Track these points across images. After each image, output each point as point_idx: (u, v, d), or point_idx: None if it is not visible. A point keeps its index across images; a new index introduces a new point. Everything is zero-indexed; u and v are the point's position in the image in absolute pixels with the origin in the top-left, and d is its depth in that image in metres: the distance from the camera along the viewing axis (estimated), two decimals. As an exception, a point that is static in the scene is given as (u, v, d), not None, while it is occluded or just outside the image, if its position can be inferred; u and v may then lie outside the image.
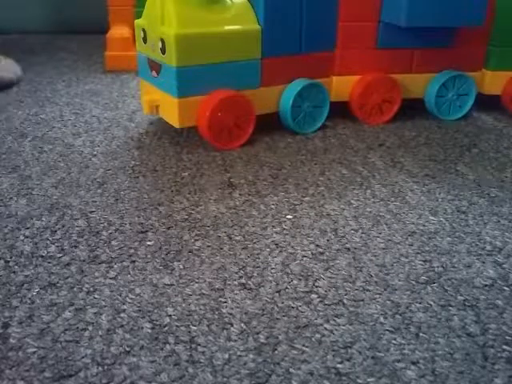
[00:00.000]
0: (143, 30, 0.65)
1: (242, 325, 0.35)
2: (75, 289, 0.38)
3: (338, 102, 0.73)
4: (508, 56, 0.75)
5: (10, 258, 0.42)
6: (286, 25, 0.65)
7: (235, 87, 0.64)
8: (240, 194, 0.53)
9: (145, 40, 0.65)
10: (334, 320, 0.36)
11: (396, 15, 0.67)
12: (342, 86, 0.72)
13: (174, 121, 0.63)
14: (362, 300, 0.38)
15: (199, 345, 0.33)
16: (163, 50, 0.60)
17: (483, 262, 0.42)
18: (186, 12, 0.60)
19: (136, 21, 0.67)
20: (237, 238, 0.45)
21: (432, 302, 0.38)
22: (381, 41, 0.71)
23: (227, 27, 0.62)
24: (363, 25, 0.70)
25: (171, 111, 0.63)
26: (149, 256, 0.42)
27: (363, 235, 0.46)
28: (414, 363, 0.32)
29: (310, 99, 0.69)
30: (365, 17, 0.69)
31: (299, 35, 0.67)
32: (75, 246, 0.43)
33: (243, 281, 0.40)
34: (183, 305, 0.37)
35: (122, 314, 0.36)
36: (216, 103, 0.61)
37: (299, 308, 0.37)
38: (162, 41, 0.60)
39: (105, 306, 0.37)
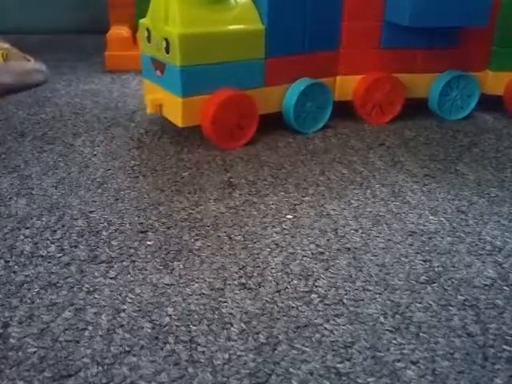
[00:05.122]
0: (147, 30, 0.65)
1: (242, 325, 0.35)
2: (75, 289, 0.38)
3: (339, 102, 0.73)
4: (510, 56, 0.75)
5: (10, 257, 0.42)
6: (289, 24, 0.65)
7: (239, 87, 0.64)
8: (240, 194, 0.53)
9: (149, 39, 0.65)
10: (334, 320, 0.36)
11: (400, 15, 0.67)
12: (345, 85, 0.72)
13: (178, 120, 0.63)
14: (362, 300, 0.38)
15: (199, 345, 0.33)
16: (167, 50, 0.60)
17: (483, 262, 0.42)
18: (190, 11, 0.60)
19: (140, 20, 0.67)
20: (237, 238, 0.45)
21: (432, 302, 0.38)
22: (384, 40, 0.71)
23: (231, 27, 0.62)
24: (367, 24, 0.70)
25: (175, 110, 0.63)
26: (149, 256, 0.42)
27: (363, 235, 0.46)
28: (414, 363, 0.32)
29: (313, 99, 0.68)
30: (368, 16, 0.69)
31: (303, 35, 0.67)
32: (75, 246, 0.43)
33: (243, 281, 0.40)
34: (183, 305, 0.37)
35: (121, 314, 0.36)
36: (219, 102, 0.61)
37: (299, 308, 0.37)
38: (166, 40, 0.60)
39: (105, 306, 0.37)
